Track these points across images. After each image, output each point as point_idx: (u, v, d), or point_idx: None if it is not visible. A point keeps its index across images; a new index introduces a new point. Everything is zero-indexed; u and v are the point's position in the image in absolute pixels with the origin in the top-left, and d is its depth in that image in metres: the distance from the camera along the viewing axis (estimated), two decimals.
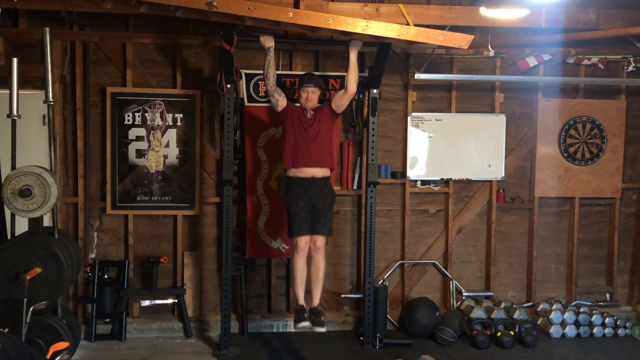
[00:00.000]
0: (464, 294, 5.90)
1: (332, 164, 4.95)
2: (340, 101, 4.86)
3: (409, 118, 5.79)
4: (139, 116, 5.47)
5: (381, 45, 4.91)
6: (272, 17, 4.36)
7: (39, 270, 4.14)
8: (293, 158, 4.76)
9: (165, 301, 5.61)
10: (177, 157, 5.54)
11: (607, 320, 5.70)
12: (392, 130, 5.83)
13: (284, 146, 4.84)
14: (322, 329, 4.69)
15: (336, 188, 5.61)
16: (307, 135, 4.76)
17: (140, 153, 5.50)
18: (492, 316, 5.52)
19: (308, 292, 4.89)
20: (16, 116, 4.36)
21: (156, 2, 4.26)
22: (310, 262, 4.80)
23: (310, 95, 4.82)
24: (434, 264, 5.96)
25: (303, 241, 4.72)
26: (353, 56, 4.79)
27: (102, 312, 5.38)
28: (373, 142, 5.23)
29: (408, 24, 4.74)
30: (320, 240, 4.77)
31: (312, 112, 4.84)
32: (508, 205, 5.99)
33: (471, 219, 5.99)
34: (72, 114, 5.44)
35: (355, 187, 5.74)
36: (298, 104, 4.92)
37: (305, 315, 4.66)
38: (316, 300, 4.79)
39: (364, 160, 5.61)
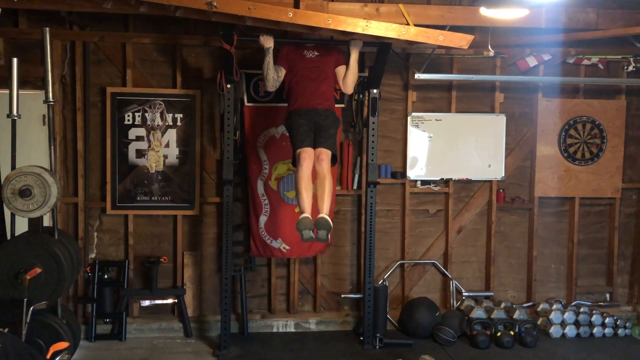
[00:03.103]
0: (464, 294, 5.89)
1: (333, 105, 4.92)
2: (338, 77, 4.88)
3: (409, 118, 5.79)
4: (139, 116, 5.47)
5: (381, 45, 4.90)
6: (272, 17, 4.36)
7: (39, 270, 4.13)
8: (295, 100, 4.74)
9: (165, 301, 5.61)
10: (177, 157, 5.54)
11: (607, 320, 5.70)
12: (392, 130, 5.83)
13: (286, 92, 4.83)
14: (324, 233, 4.35)
15: (336, 188, 5.62)
16: (308, 76, 4.74)
17: (140, 153, 5.50)
18: (492, 316, 5.52)
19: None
20: (16, 116, 4.35)
21: (156, 2, 4.26)
22: (316, 178, 4.59)
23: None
24: (434, 264, 5.96)
25: (306, 151, 4.55)
26: (354, 57, 4.79)
27: (102, 312, 5.38)
28: (373, 142, 5.23)
29: (408, 24, 4.74)
30: (324, 153, 4.60)
31: (314, 53, 4.80)
32: (508, 205, 5.99)
33: (471, 219, 5.99)
34: (72, 114, 5.44)
35: (355, 187, 5.74)
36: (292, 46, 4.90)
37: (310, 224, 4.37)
38: (324, 210, 4.46)
39: (364, 160, 5.61)
